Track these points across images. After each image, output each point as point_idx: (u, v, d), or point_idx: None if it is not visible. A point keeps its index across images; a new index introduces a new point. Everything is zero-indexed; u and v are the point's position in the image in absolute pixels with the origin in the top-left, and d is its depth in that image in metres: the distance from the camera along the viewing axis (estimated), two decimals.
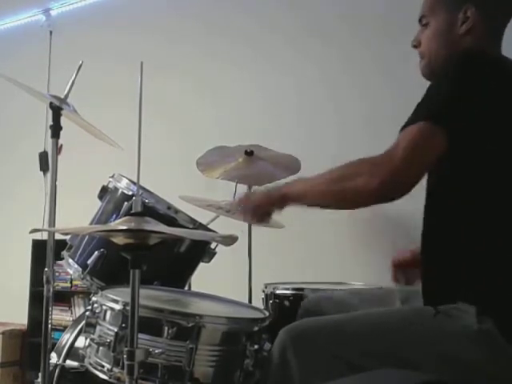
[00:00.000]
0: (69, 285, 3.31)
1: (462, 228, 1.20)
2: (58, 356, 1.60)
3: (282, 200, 1.31)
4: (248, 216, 1.41)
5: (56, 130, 1.65)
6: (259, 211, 1.37)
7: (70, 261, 1.75)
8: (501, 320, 1.10)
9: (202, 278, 1.93)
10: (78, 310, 3.35)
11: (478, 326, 1.10)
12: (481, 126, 1.14)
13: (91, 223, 1.82)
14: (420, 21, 1.37)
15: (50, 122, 1.65)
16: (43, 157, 3.71)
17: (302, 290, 1.83)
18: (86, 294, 3.25)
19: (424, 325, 1.15)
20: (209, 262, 1.82)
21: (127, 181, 1.74)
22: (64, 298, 3.38)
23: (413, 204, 2.64)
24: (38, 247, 3.24)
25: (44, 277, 1.59)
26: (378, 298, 1.53)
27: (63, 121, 1.66)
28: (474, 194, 1.19)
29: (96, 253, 1.66)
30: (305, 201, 1.28)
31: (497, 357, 1.10)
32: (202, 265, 1.84)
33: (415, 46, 1.38)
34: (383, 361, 1.12)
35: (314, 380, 1.12)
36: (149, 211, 1.61)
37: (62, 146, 2.79)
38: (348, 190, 1.19)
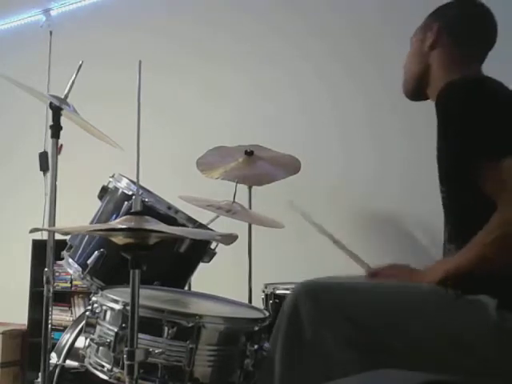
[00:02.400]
0: (69, 285, 3.31)
1: (482, 221, 1.17)
2: (58, 356, 1.60)
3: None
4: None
5: (56, 130, 1.65)
6: None
7: (70, 261, 1.75)
8: None
9: (202, 278, 1.93)
10: (78, 310, 3.35)
11: (497, 321, 1.09)
12: None
13: (91, 223, 1.82)
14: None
15: (50, 122, 1.65)
16: (43, 157, 3.70)
17: None
18: (86, 294, 3.25)
19: (441, 307, 1.14)
20: (209, 261, 1.82)
21: (127, 181, 1.74)
22: (64, 298, 3.38)
23: (413, 205, 2.65)
24: (38, 247, 3.24)
25: (44, 277, 1.58)
26: None
27: (63, 121, 1.66)
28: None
29: (96, 253, 1.66)
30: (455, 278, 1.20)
31: None
32: (202, 265, 1.84)
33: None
34: (395, 332, 1.11)
35: (323, 331, 1.10)
36: (149, 211, 1.61)
37: (62, 145, 2.79)
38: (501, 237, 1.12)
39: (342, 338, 1.10)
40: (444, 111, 1.22)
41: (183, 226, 1.66)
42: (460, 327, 1.12)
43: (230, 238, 1.12)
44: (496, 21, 1.38)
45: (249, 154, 2.37)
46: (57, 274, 2.99)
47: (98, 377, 1.28)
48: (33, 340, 3.21)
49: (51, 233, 1.66)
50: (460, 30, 1.38)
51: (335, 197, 2.76)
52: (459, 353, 1.10)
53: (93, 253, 1.67)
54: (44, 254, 1.62)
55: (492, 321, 1.10)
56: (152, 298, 1.43)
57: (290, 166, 2.39)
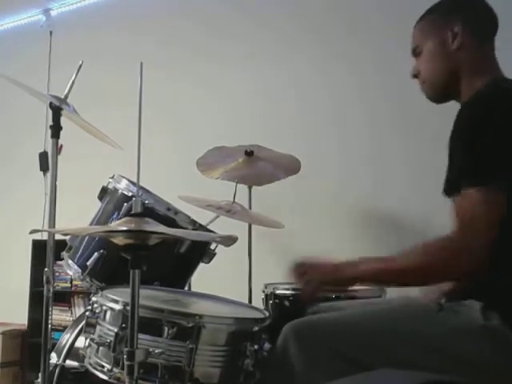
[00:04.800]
0: (69, 285, 3.32)
1: None
2: (58, 356, 1.60)
3: (351, 283, 1.29)
4: (306, 289, 1.33)
5: (56, 130, 1.65)
6: (319, 289, 1.32)
7: (70, 262, 1.75)
8: (507, 313, 1.11)
9: (202, 278, 1.93)
10: (78, 310, 3.35)
11: (482, 322, 1.11)
12: None
13: (91, 224, 1.82)
14: (413, 52, 1.43)
15: (50, 122, 1.65)
16: (43, 157, 3.71)
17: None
18: (86, 294, 3.25)
19: (426, 320, 1.16)
20: (208, 262, 1.82)
21: (127, 181, 1.74)
22: (64, 298, 3.39)
23: (414, 203, 2.65)
24: (38, 247, 3.25)
25: (44, 277, 1.58)
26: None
27: (63, 121, 1.66)
28: None
29: (96, 254, 1.66)
30: (376, 282, 1.26)
31: (503, 351, 1.11)
32: (202, 265, 1.84)
33: (415, 76, 1.42)
34: (382, 355, 1.14)
35: (314, 371, 1.14)
36: (148, 212, 1.61)
37: (62, 146, 2.80)
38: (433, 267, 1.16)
39: (327, 368, 1.13)
40: (461, 123, 1.19)
41: (183, 227, 1.66)
42: (446, 336, 1.13)
43: (229, 240, 1.12)
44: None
45: (249, 154, 2.37)
46: (57, 273, 2.99)
47: (97, 377, 1.27)
48: (33, 340, 3.22)
49: (51, 233, 1.66)
50: (480, 25, 1.35)
51: (335, 197, 2.76)
52: (448, 360, 1.11)
53: (93, 254, 1.67)
54: (44, 254, 1.62)
55: (478, 322, 1.11)
56: (152, 298, 1.43)
57: (290, 166, 2.39)
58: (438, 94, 1.39)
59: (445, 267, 1.13)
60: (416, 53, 1.42)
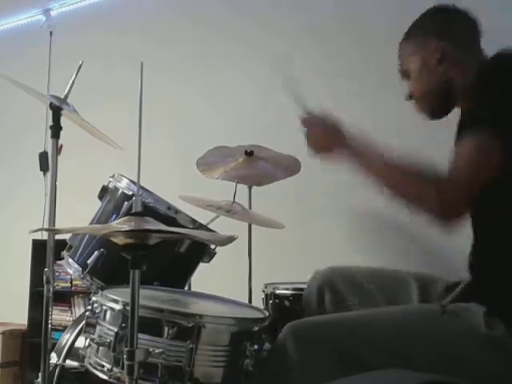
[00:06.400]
0: (69, 285, 3.32)
1: (478, 229, 1.23)
2: (58, 356, 1.60)
3: (345, 153, 1.36)
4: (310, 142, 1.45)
5: (56, 130, 1.65)
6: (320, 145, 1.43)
7: (70, 260, 1.75)
8: (510, 320, 1.10)
9: (202, 278, 1.93)
10: (78, 310, 3.35)
11: (485, 331, 1.10)
12: None
13: (91, 223, 1.82)
14: (402, 76, 1.47)
15: (50, 122, 1.65)
16: (43, 157, 3.70)
17: (302, 290, 1.83)
18: (86, 294, 3.25)
19: (428, 323, 1.16)
20: (209, 262, 1.82)
21: (127, 181, 1.74)
22: (64, 298, 3.38)
23: None
24: (38, 247, 3.24)
25: (44, 277, 1.58)
26: (391, 281, 1.53)
27: (63, 121, 1.66)
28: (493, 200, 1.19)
29: (96, 253, 1.66)
30: (364, 172, 1.32)
31: (505, 360, 1.10)
32: (202, 265, 1.84)
33: (410, 97, 1.47)
34: (384, 355, 1.13)
35: (311, 372, 1.14)
36: (149, 211, 1.61)
37: (62, 146, 2.79)
38: (413, 203, 1.23)
39: (327, 368, 1.13)
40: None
41: (183, 226, 1.66)
42: (448, 340, 1.13)
43: (227, 240, 1.12)
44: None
45: (249, 154, 2.36)
46: (57, 273, 2.99)
47: (97, 377, 1.27)
48: (33, 340, 3.21)
49: (51, 233, 1.66)
50: (456, 33, 1.38)
51: (335, 197, 2.76)
52: (449, 365, 1.11)
53: (93, 253, 1.67)
54: (44, 253, 1.62)
55: (480, 330, 1.11)
56: (152, 297, 1.43)
57: (290, 166, 2.38)
58: (435, 109, 1.43)
59: (425, 201, 1.17)
60: (405, 76, 1.46)
